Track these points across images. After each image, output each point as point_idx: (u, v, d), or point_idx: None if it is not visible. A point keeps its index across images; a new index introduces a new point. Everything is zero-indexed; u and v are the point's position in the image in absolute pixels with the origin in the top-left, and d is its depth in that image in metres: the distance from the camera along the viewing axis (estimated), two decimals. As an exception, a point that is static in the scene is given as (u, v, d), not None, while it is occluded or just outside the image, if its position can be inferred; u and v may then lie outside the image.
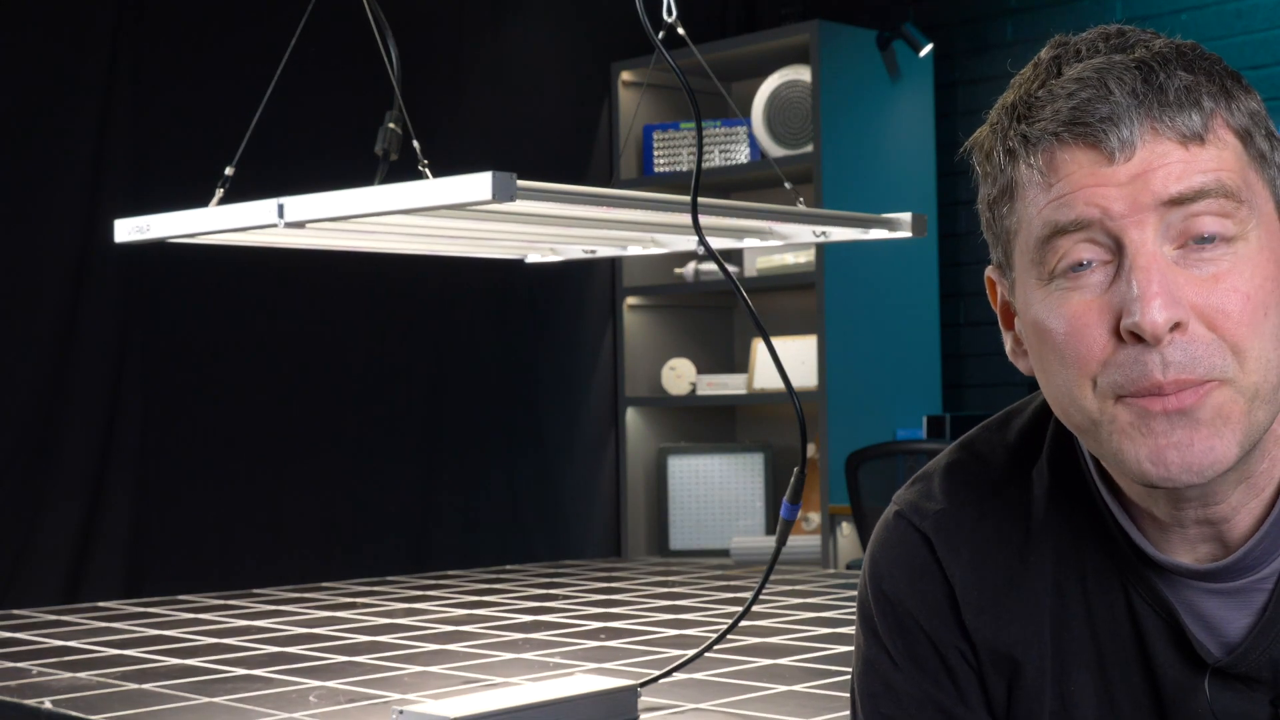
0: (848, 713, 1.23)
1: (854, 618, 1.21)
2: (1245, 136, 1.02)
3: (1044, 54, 1.06)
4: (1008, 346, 1.12)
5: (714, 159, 5.08)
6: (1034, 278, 1.04)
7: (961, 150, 1.12)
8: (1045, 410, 1.16)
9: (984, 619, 1.12)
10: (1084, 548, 1.11)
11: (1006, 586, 1.12)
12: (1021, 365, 1.11)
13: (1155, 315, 0.97)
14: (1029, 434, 1.17)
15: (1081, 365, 1.01)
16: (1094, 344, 1.00)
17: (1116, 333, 1.00)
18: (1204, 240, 0.99)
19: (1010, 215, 1.06)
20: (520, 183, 1.70)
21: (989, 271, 1.13)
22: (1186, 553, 1.08)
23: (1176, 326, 0.98)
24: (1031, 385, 1.11)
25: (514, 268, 2.88)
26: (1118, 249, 1.00)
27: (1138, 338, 0.98)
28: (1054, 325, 1.02)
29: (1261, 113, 1.04)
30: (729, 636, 2.09)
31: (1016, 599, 1.12)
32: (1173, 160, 0.99)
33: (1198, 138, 0.99)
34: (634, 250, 2.43)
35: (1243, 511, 1.05)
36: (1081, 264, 1.01)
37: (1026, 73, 1.06)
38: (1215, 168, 0.99)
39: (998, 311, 1.13)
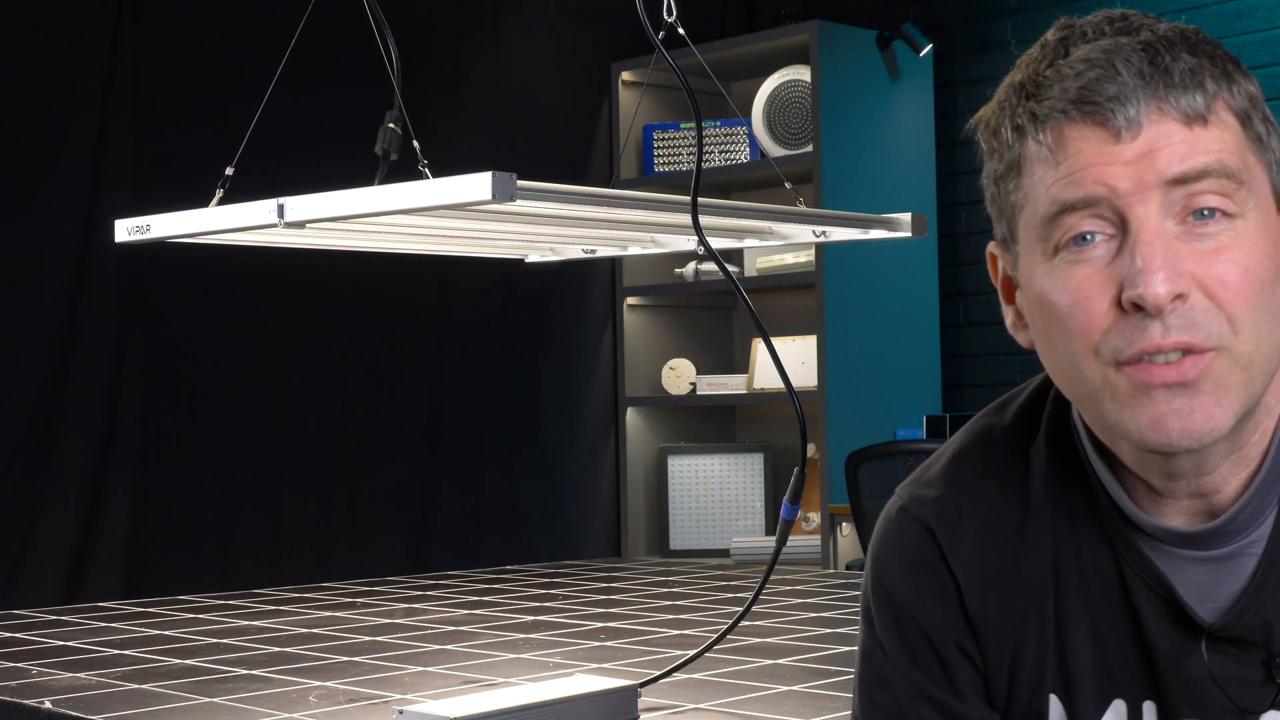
0: (848, 713, 1.24)
1: (853, 618, 1.22)
2: (1245, 119, 1.05)
3: (1050, 35, 1.08)
4: (1008, 320, 1.15)
5: (714, 159, 5.08)
6: (1039, 252, 1.07)
7: (967, 127, 1.15)
8: (1041, 391, 1.19)
9: (989, 598, 1.14)
10: (1078, 522, 1.14)
11: (1010, 564, 1.14)
12: (1021, 338, 1.13)
13: (1158, 288, 1.00)
14: (1025, 415, 1.19)
15: (1084, 335, 1.04)
16: (1096, 314, 1.03)
17: (1118, 304, 1.02)
18: (1205, 215, 1.02)
19: (1016, 190, 1.08)
20: (520, 183, 1.70)
21: (991, 247, 1.15)
22: (1177, 521, 1.10)
23: (1178, 297, 1.01)
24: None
25: (514, 268, 2.88)
26: (1122, 225, 1.03)
27: (1139, 308, 1.01)
28: (1058, 298, 1.05)
29: (1259, 96, 1.07)
30: (729, 636, 2.09)
31: (1019, 576, 1.14)
32: (1177, 140, 1.02)
33: (1201, 118, 1.02)
34: (634, 250, 2.44)
35: (1232, 482, 1.08)
36: (1085, 237, 1.03)
37: (1034, 53, 1.08)
38: (1217, 148, 1.02)
39: (999, 286, 1.16)
